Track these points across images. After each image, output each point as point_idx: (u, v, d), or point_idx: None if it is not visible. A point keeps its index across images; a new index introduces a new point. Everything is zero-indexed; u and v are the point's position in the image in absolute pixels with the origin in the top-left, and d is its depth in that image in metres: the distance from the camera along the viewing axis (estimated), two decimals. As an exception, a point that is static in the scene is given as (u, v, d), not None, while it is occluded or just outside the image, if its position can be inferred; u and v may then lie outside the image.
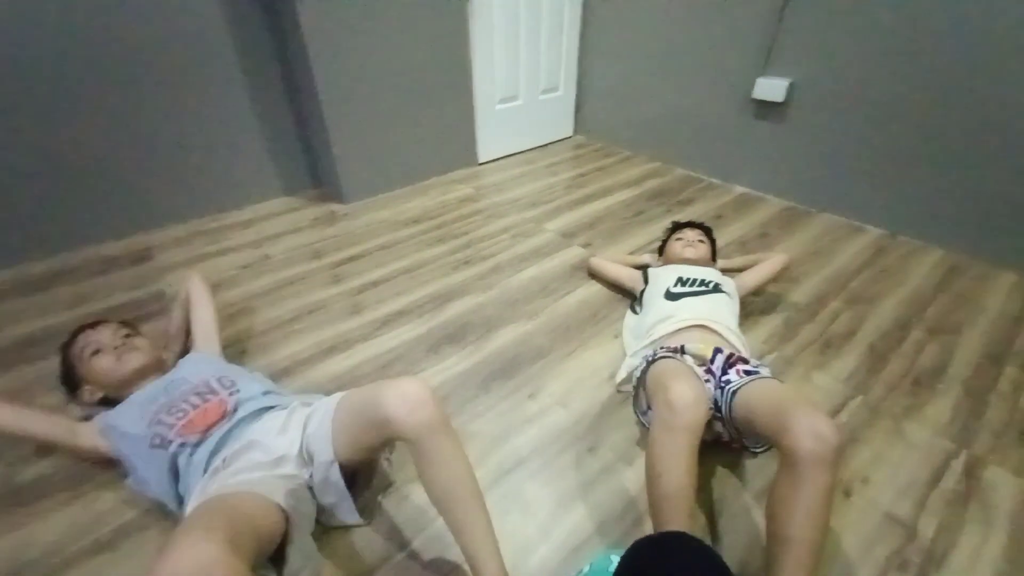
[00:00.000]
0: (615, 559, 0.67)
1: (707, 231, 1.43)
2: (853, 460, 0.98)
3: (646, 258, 1.51)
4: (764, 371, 0.94)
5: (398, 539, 0.86)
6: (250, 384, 0.95)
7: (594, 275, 1.54)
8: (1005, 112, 1.44)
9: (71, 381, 1.00)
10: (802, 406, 0.74)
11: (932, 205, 1.67)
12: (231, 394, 0.91)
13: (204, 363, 1.02)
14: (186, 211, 1.89)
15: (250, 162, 1.95)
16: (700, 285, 1.19)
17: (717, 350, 0.99)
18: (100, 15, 1.48)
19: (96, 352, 0.97)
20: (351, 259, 1.67)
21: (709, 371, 0.96)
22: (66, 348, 1.01)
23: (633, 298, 1.38)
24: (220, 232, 1.84)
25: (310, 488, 0.80)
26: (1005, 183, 1.51)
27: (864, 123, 1.73)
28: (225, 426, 0.84)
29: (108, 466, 0.94)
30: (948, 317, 1.38)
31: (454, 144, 2.29)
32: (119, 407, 0.93)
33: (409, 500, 0.92)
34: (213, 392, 0.91)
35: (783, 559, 0.67)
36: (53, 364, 1.23)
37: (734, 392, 0.88)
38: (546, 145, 2.67)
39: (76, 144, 1.58)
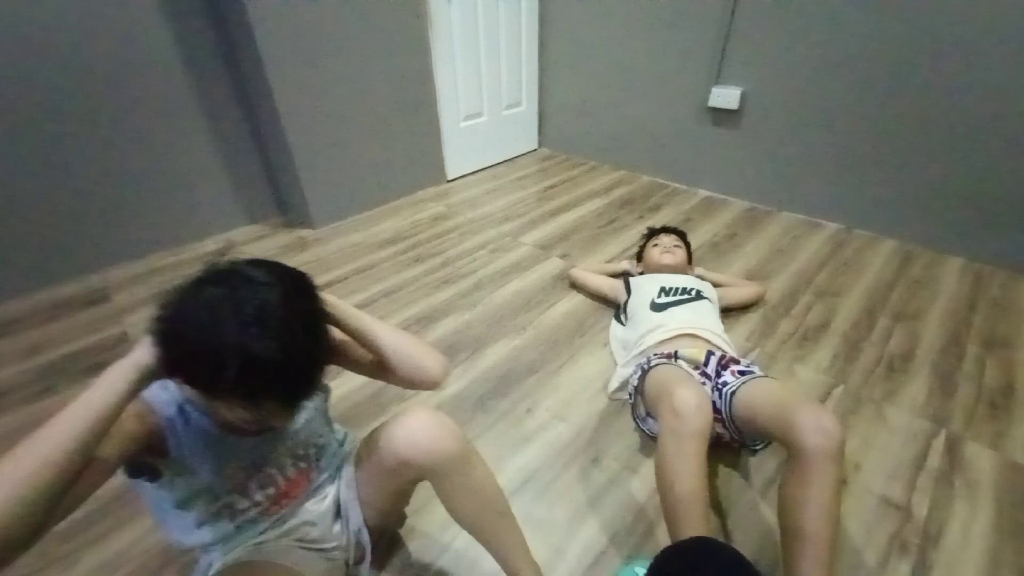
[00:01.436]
0: (640, 572, 0.66)
1: (682, 236, 1.47)
2: (845, 447, 1.02)
3: (624, 265, 1.53)
4: (756, 370, 0.97)
5: (413, 568, 0.83)
6: (332, 444, 0.77)
7: (576, 287, 1.56)
8: (944, 108, 1.56)
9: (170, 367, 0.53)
10: (804, 403, 0.77)
11: (882, 199, 1.79)
12: (317, 459, 0.73)
13: (317, 409, 0.75)
14: (142, 246, 1.78)
15: (209, 191, 1.87)
16: (683, 293, 1.21)
17: (709, 353, 1.02)
18: (41, 47, 1.39)
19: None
20: (328, 285, 1.62)
21: (704, 374, 0.98)
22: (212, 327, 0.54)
23: (617, 307, 1.39)
24: (182, 266, 1.75)
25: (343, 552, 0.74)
26: (947, 175, 1.63)
27: (814, 125, 1.84)
28: (294, 504, 0.70)
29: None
30: (909, 303, 1.46)
31: (422, 162, 2.28)
32: (193, 430, 0.58)
33: (416, 530, 0.89)
34: (308, 458, 0.71)
35: (801, 556, 0.69)
36: (11, 421, 1.14)
37: (733, 393, 0.90)
38: (513, 159, 2.69)
39: (23, 183, 1.47)
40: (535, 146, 2.81)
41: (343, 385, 1.21)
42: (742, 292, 1.43)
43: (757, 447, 0.98)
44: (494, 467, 0.99)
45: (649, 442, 1.04)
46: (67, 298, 1.58)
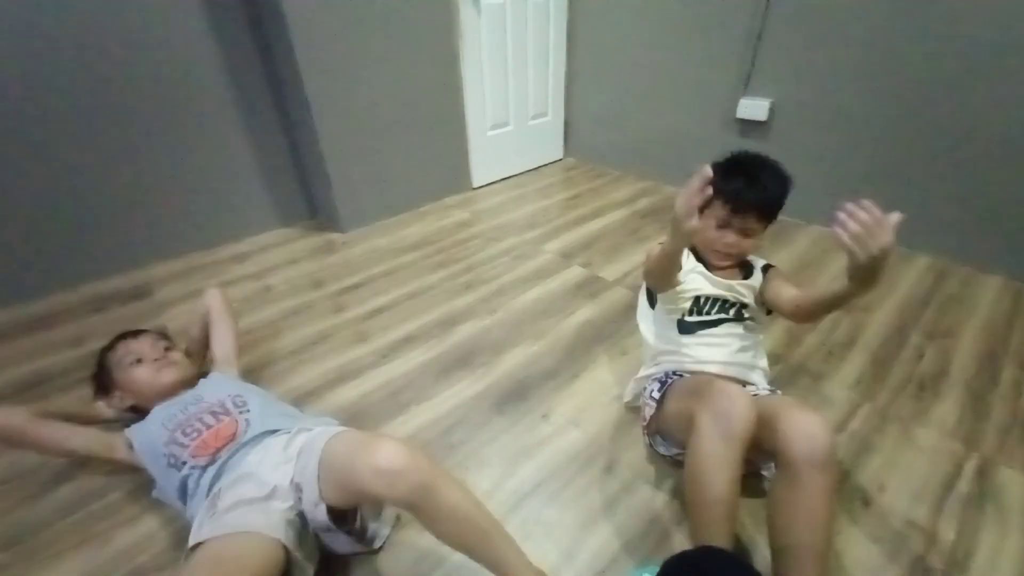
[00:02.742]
0: (649, 578, 0.66)
1: (769, 215, 0.94)
2: (867, 467, 1.00)
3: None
4: (767, 390, 0.93)
5: (417, 573, 0.84)
6: (263, 404, 0.95)
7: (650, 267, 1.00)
8: (981, 120, 1.51)
9: (103, 385, 1.01)
10: (791, 407, 0.74)
11: (916, 213, 1.72)
12: (241, 413, 0.91)
13: (223, 382, 1.01)
14: (182, 245, 1.88)
15: (246, 194, 1.96)
16: (720, 311, 0.99)
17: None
18: (92, 53, 1.50)
19: (136, 362, 0.99)
20: (353, 287, 1.67)
21: None
22: (105, 352, 1.03)
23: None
24: (218, 265, 1.83)
25: (302, 514, 0.78)
26: (985, 190, 1.57)
27: (845, 138, 1.80)
28: (232, 447, 0.84)
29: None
30: (943, 321, 1.41)
31: (448, 170, 2.33)
32: (143, 423, 0.93)
33: (424, 535, 0.90)
34: (226, 412, 0.91)
35: (787, 569, 0.67)
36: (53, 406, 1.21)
37: None
38: (538, 168, 2.72)
39: (71, 182, 1.57)
40: (560, 155, 2.83)
41: (362, 385, 1.25)
42: (827, 293, 0.86)
43: (765, 472, 0.89)
44: (507, 470, 1.01)
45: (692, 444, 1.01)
46: (111, 292, 1.67)
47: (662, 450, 1.00)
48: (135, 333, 1.06)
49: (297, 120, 1.89)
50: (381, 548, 0.86)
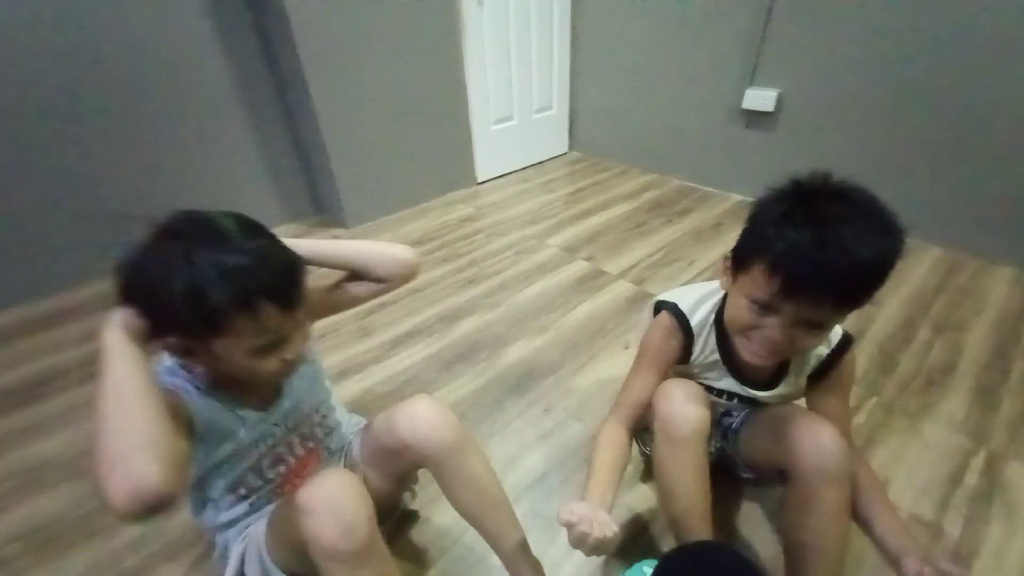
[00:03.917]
0: (648, 570, 0.66)
1: (854, 299, 0.59)
2: (873, 462, 0.98)
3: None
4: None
5: (422, 561, 0.85)
6: (339, 425, 0.81)
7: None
8: (992, 111, 1.48)
9: (158, 321, 0.53)
10: (802, 419, 0.68)
11: (927, 205, 1.70)
12: (323, 436, 0.77)
13: (312, 382, 0.75)
14: (190, 242, 1.90)
15: (251, 190, 1.97)
16: (734, 399, 0.81)
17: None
18: (98, 54, 1.51)
19: (256, 344, 0.56)
20: (357, 283, 1.67)
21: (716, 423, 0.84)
22: (198, 286, 0.51)
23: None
24: (225, 261, 1.85)
25: None
26: (996, 181, 1.53)
27: (854, 128, 1.77)
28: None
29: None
30: (952, 314, 1.39)
31: (452, 165, 2.32)
32: (214, 409, 0.61)
33: (430, 522, 0.91)
34: (313, 436, 0.75)
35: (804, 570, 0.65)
36: (63, 401, 1.23)
37: (736, 430, 0.84)
38: (542, 162, 2.71)
39: (79, 181, 1.59)
40: (565, 149, 2.81)
41: (366, 379, 1.26)
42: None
43: (745, 475, 0.88)
44: (509, 463, 1.02)
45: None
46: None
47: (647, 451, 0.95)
48: (258, 272, 0.54)
49: (301, 116, 1.89)
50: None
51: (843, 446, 0.63)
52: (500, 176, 2.54)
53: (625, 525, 0.89)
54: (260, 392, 0.66)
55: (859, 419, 1.08)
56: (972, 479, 0.94)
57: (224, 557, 0.71)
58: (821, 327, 0.60)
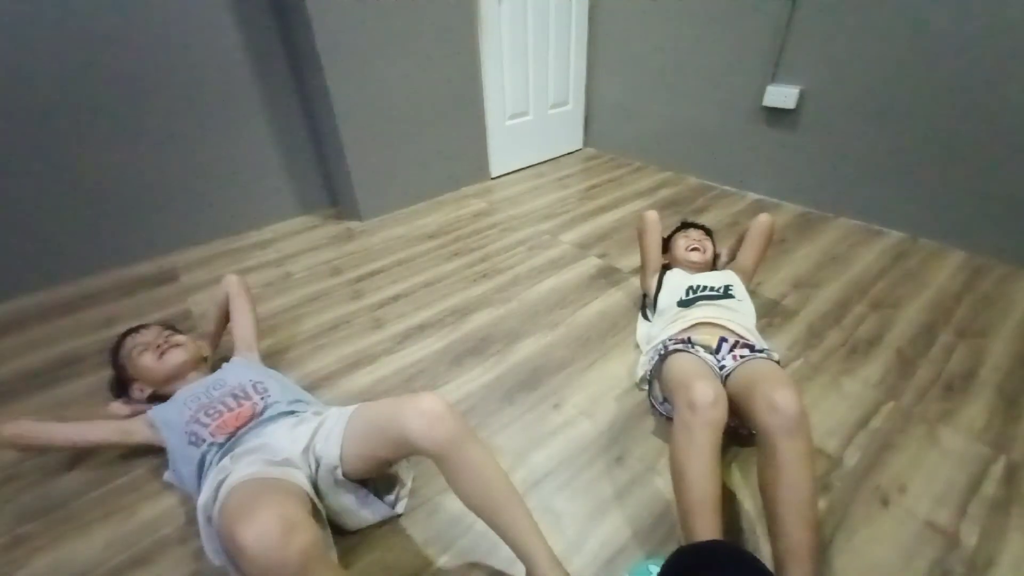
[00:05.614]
0: (654, 569, 0.66)
1: (708, 232, 1.42)
2: (888, 467, 0.97)
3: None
4: (770, 354, 0.96)
5: (432, 550, 0.86)
6: (281, 390, 0.98)
7: (641, 229, 1.36)
8: (1020, 112, 1.43)
9: (121, 382, 1.07)
10: (766, 381, 0.78)
11: (952, 207, 1.66)
12: (262, 398, 0.95)
13: (244, 368, 1.06)
14: (207, 232, 1.93)
15: (268, 183, 1.99)
16: (710, 291, 1.18)
17: (722, 339, 1.00)
18: (122, 43, 1.54)
19: (142, 351, 1.05)
20: (370, 275, 1.69)
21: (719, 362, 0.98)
22: (115, 351, 1.08)
23: (643, 301, 1.39)
24: (241, 252, 1.88)
25: (316, 485, 0.80)
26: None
27: (878, 127, 1.73)
28: (250, 426, 0.88)
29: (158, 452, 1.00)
30: (975, 320, 1.35)
31: (467, 160, 2.33)
32: (167, 404, 0.99)
33: (441, 511, 0.91)
34: (247, 396, 0.95)
35: (779, 538, 0.69)
36: (85, 384, 1.27)
37: (726, 377, 0.91)
38: (557, 158, 2.70)
39: (99, 169, 1.63)
40: (580, 145, 2.80)
41: (377, 370, 1.27)
42: (752, 241, 1.30)
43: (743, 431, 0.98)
44: (517, 458, 1.02)
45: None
46: (140, 277, 1.73)
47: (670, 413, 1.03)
48: (138, 328, 1.10)
49: (318, 110, 1.91)
50: (386, 523, 0.89)
51: (799, 403, 0.75)
52: (514, 171, 2.53)
53: (634, 521, 0.89)
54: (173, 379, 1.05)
55: (875, 424, 1.06)
56: (990, 488, 0.92)
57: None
58: (704, 240, 1.36)
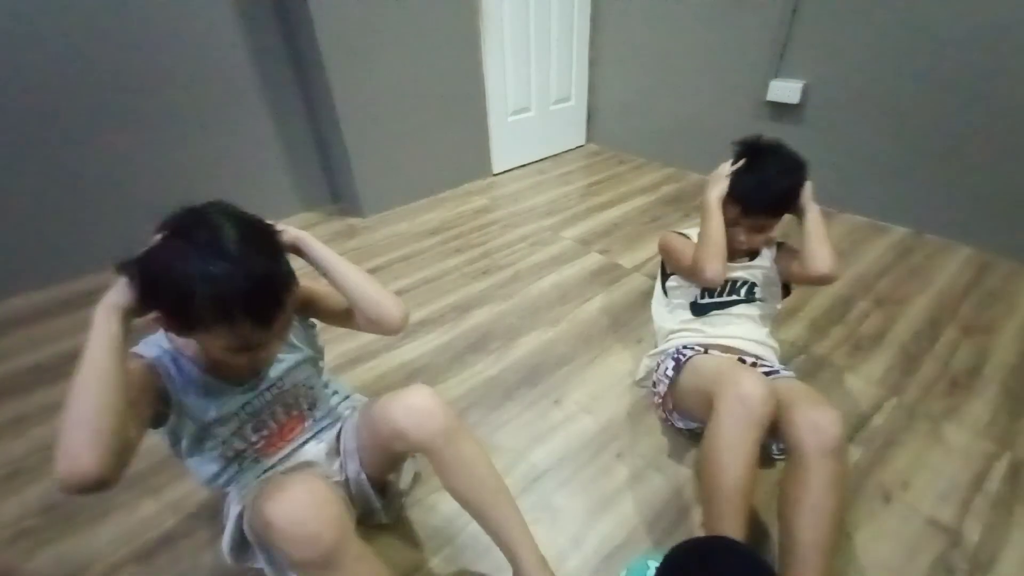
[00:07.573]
0: (653, 564, 0.66)
1: (781, 210, 1.02)
2: (891, 464, 0.96)
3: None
4: (785, 372, 0.93)
5: (427, 549, 0.86)
6: (326, 397, 0.87)
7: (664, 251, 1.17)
8: (1031, 106, 1.42)
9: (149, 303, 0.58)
10: (804, 399, 0.75)
11: (958, 203, 1.64)
12: (310, 408, 0.83)
13: (297, 364, 0.80)
14: (211, 229, 1.93)
15: (270, 179, 1.99)
16: (732, 292, 1.04)
17: (740, 360, 0.95)
18: (124, 42, 1.54)
19: (237, 350, 0.62)
20: (372, 271, 1.68)
21: None
22: (189, 296, 0.55)
23: (662, 268, 1.18)
24: (244, 248, 1.88)
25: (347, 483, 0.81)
26: (1034, 178, 1.47)
27: (883, 122, 1.71)
28: (294, 444, 0.81)
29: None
30: (981, 316, 1.34)
31: (469, 156, 2.32)
32: (203, 382, 0.68)
33: (436, 510, 0.91)
34: (297, 405, 0.81)
35: (793, 564, 0.67)
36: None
37: None
38: (559, 154, 2.69)
39: (104, 168, 1.63)
40: (583, 142, 2.79)
41: (379, 367, 1.27)
42: (814, 265, 0.96)
43: (778, 457, 0.91)
44: (518, 454, 1.02)
45: (677, 441, 1.02)
46: (143, 273, 1.73)
47: (680, 424, 1.00)
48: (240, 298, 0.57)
49: (320, 106, 1.91)
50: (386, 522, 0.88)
51: (842, 428, 0.70)
52: (516, 168, 2.52)
53: (634, 518, 0.89)
54: (240, 371, 0.71)
55: (879, 420, 1.05)
56: (994, 484, 0.91)
57: (227, 516, 0.74)
58: (767, 228, 1.01)
